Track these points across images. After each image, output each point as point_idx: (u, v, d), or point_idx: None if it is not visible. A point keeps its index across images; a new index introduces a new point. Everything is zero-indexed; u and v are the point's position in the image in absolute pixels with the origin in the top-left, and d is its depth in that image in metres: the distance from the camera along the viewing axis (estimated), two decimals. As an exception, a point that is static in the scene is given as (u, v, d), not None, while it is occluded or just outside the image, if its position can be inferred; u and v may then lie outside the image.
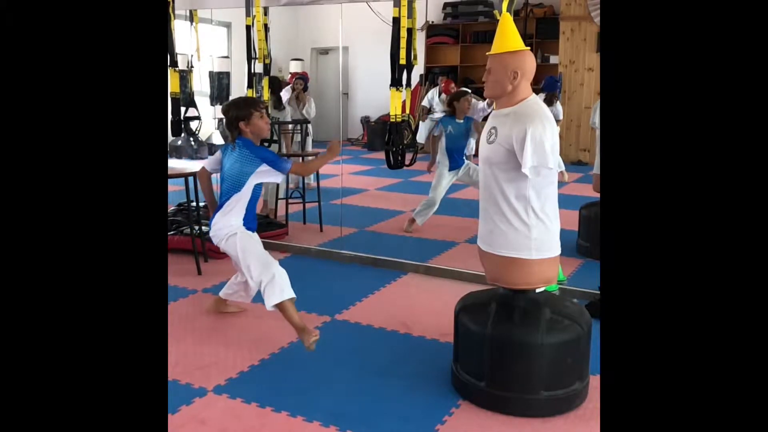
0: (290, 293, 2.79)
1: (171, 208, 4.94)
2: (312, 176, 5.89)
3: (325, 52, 8.71)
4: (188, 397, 2.47)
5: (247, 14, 4.57)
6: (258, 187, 2.94)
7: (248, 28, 4.56)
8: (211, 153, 8.19)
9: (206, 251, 4.30)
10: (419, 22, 4.17)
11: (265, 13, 4.63)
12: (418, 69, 7.20)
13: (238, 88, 5.47)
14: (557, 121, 6.96)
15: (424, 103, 8.74)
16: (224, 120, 3.00)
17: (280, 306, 2.76)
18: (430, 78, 9.41)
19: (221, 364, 2.75)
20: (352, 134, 9.64)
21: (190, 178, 4.06)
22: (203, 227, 4.45)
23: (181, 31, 5.28)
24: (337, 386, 2.58)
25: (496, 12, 2.57)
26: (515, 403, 2.35)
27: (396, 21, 3.91)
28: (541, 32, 9.29)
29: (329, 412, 2.37)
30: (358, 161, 8.37)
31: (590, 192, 4.76)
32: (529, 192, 2.32)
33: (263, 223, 4.37)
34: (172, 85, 4.86)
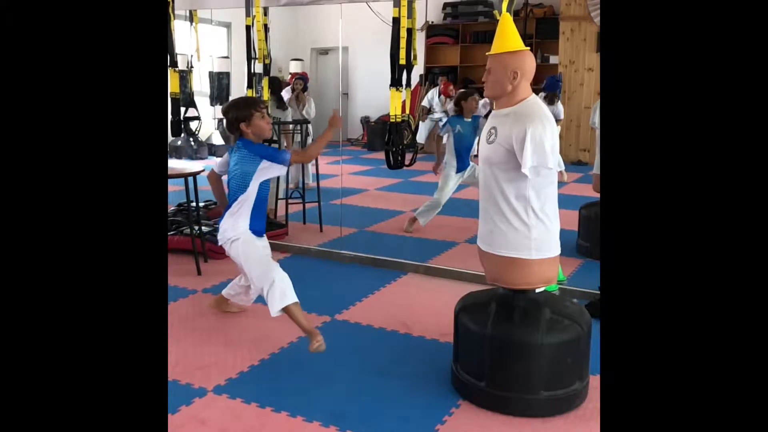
0: (292, 298, 2.76)
1: (171, 208, 4.94)
2: (311, 176, 5.90)
3: (324, 52, 8.71)
4: (188, 397, 2.47)
5: (247, 14, 4.57)
6: (264, 187, 2.92)
7: (248, 29, 4.56)
8: (211, 153, 8.21)
9: (206, 251, 4.30)
10: (419, 22, 4.17)
11: (265, 14, 4.63)
12: (418, 69, 7.20)
13: (238, 89, 5.47)
14: (558, 120, 6.98)
15: (424, 103, 8.75)
16: (225, 122, 2.98)
17: (285, 310, 2.75)
18: (429, 78, 9.42)
19: (221, 364, 2.75)
20: (352, 134, 9.64)
21: (190, 179, 4.06)
22: (203, 227, 4.46)
23: (180, 32, 5.28)
24: (337, 386, 2.58)
25: (495, 12, 2.58)
26: (515, 403, 2.35)
27: (396, 21, 3.91)
28: (541, 32, 9.29)
29: (329, 412, 2.37)
30: (358, 161, 8.37)
31: (590, 192, 4.76)
32: (528, 192, 2.32)
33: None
34: (172, 85, 4.86)
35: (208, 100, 6.13)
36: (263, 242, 3.01)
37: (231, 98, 5.64)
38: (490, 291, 2.63)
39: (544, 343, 2.29)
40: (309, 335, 2.74)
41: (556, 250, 2.41)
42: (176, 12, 4.93)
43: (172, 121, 4.98)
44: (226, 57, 6.58)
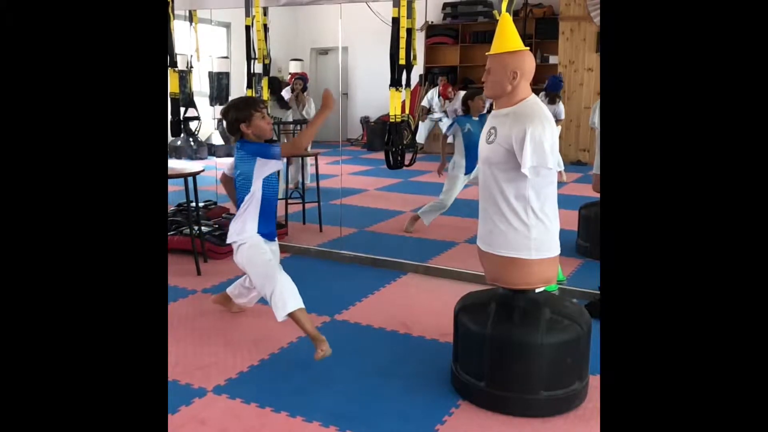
0: (295, 304, 2.72)
1: (170, 208, 4.94)
2: (310, 176, 5.89)
3: (324, 52, 8.71)
4: (188, 397, 2.47)
5: (247, 14, 4.57)
6: (269, 186, 2.86)
7: (248, 29, 4.56)
8: (211, 153, 8.21)
9: (206, 251, 4.30)
10: (419, 22, 4.18)
11: (265, 14, 4.63)
12: (418, 69, 7.21)
13: (238, 89, 5.47)
14: (559, 120, 6.98)
15: (424, 103, 8.76)
16: (225, 123, 2.93)
17: (290, 316, 2.72)
18: (429, 78, 9.43)
19: (221, 365, 2.75)
20: (352, 134, 9.65)
21: (190, 179, 4.06)
22: (203, 227, 4.46)
23: (180, 32, 5.28)
24: (337, 386, 2.58)
25: (495, 12, 2.57)
26: (515, 403, 2.35)
27: (395, 21, 3.91)
28: (541, 32, 9.30)
29: (329, 412, 2.37)
30: (358, 161, 8.37)
31: (590, 192, 4.76)
32: (528, 192, 2.33)
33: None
34: (172, 85, 4.87)
35: (207, 100, 6.13)
36: (273, 246, 2.96)
37: (231, 98, 5.64)
38: (489, 291, 2.63)
39: (544, 343, 2.29)
40: (314, 341, 2.72)
41: (555, 250, 2.42)
42: (176, 12, 4.93)
43: (171, 122, 4.98)
44: (226, 57, 6.57)
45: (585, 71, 8.89)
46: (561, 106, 7.19)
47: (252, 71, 4.63)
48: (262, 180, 2.84)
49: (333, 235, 4.93)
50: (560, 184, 2.57)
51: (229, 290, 3.27)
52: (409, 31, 3.96)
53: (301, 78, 6.38)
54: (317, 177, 5.26)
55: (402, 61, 3.93)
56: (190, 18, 5.42)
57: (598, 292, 3.38)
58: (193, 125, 5.23)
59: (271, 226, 2.94)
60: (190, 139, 7.77)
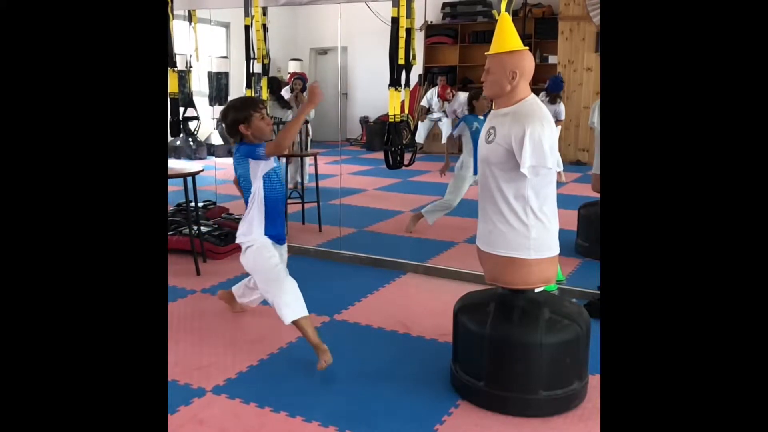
0: (300, 313, 2.69)
1: (170, 208, 4.94)
2: (308, 176, 5.88)
3: (323, 52, 8.71)
4: (187, 397, 2.47)
5: (246, 14, 4.57)
6: (272, 186, 2.79)
7: (247, 29, 4.56)
8: (210, 153, 8.20)
9: (205, 251, 4.30)
10: (418, 22, 4.17)
11: (264, 14, 4.63)
12: (417, 69, 7.21)
13: (237, 89, 5.47)
14: (559, 121, 6.97)
15: (423, 103, 8.75)
16: (224, 126, 2.85)
17: (294, 323, 2.71)
18: (428, 78, 9.43)
19: (220, 365, 2.75)
20: (351, 134, 9.64)
21: (189, 179, 4.06)
22: (202, 227, 4.45)
23: (179, 31, 5.27)
24: (336, 386, 2.58)
25: (494, 12, 2.57)
26: (514, 403, 2.35)
27: (395, 21, 3.91)
28: (540, 32, 9.31)
29: (328, 412, 2.37)
30: (357, 161, 8.37)
31: (589, 192, 4.76)
32: (527, 192, 2.32)
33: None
34: (171, 85, 4.86)
35: (206, 100, 6.12)
36: (281, 250, 2.91)
37: (230, 98, 5.63)
38: (489, 291, 2.63)
39: (543, 343, 2.29)
40: (316, 350, 2.69)
41: (555, 249, 2.42)
42: (175, 12, 4.92)
43: (171, 122, 4.97)
44: (225, 57, 6.57)
45: (584, 71, 8.89)
46: (561, 107, 7.19)
47: (251, 71, 4.62)
48: (261, 180, 2.78)
49: (332, 235, 4.93)
50: (559, 184, 2.57)
51: (234, 288, 3.26)
52: (409, 31, 3.96)
53: (301, 78, 6.37)
54: (316, 177, 5.25)
55: (401, 61, 3.93)
56: (190, 18, 5.41)
57: (598, 292, 3.38)
58: (192, 125, 5.23)
59: (278, 228, 2.88)
60: (190, 139, 7.77)
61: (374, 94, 7.84)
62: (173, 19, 4.85)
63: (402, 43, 3.90)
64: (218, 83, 6.01)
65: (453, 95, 8.37)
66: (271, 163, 2.82)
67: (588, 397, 2.46)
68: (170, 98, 4.89)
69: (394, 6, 3.91)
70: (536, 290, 2.47)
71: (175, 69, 4.90)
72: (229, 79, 6.02)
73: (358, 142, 9.52)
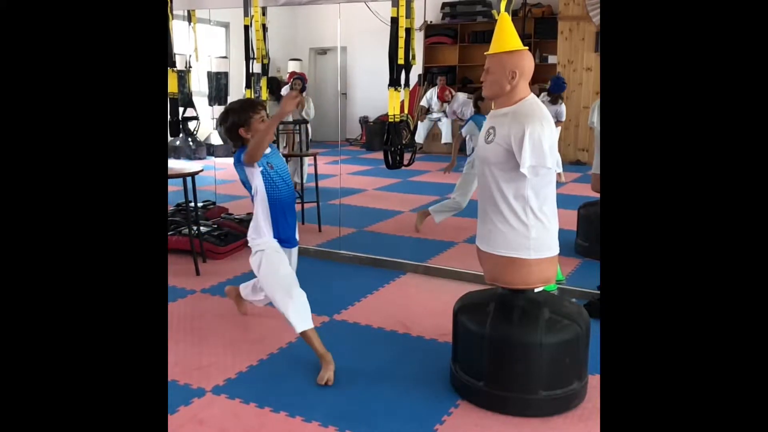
0: (306, 325, 2.64)
1: (169, 208, 4.94)
2: (307, 176, 5.88)
3: (323, 52, 8.72)
4: (187, 397, 2.47)
5: (246, 14, 4.57)
6: (275, 186, 2.73)
7: (246, 29, 4.56)
8: (210, 153, 8.20)
9: (204, 251, 4.30)
10: (417, 22, 4.18)
11: (264, 13, 4.63)
12: (417, 69, 7.20)
13: (237, 89, 5.47)
14: (559, 122, 6.97)
15: (423, 103, 8.75)
16: (223, 129, 2.79)
17: (301, 335, 2.67)
18: (428, 78, 9.44)
19: (220, 365, 2.75)
20: (351, 134, 9.64)
21: (189, 179, 4.06)
22: (202, 227, 4.45)
23: (179, 31, 5.27)
24: (336, 386, 2.58)
25: (494, 12, 2.56)
26: (514, 403, 2.35)
27: (394, 21, 3.91)
28: (540, 32, 9.32)
29: (328, 412, 2.37)
30: (357, 161, 8.36)
31: (589, 192, 4.76)
32: (527, 192, 2.32)
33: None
34: (171, 85, 4.86)
35: (206, 100, 6.12)
36: (291, 253, 2.85)
37: (229, 98, 5.63)
38: (488, 291, 2.63)
39: (543, 343, 2.29)
40: (321, 359, 2.65)
41: (554, 249, 2.42)
42: (175, 12, 4.92)
43: (170, 122, 4.97)
44: (225, 57, 6.57)
45: (584, 71, 8.89)
46: (563, 107, 7.18)
47: (251, 71, 4.62)
48: (260, 179, 2.72)
49: (332, 235, 4.93)
50: (559, 184, 2.57)
51: (241, 287, 3.20)
52: (408, 31, 3.96)
53: (300, 78, 6.38)
54: (316, 177, 5.25)
55: (401, 61, 3.93)
56: (189, 18, 5.41)
57: (597, 292, 3.38)
58: (191, 125, 5.23)
59: (288, 231, 2.78)
60: (189, 139, 7.77)
61: (374, 94, 7.84)
62: (173, 19, 4.85)
63: (401, 43, 3.90)
64: (218, 83, 6.01)
65: (452, 96, 8.37)
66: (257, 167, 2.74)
67: (588, 397, 2.46)
68: (170, 98, 4.89)
69: (393, 6, 3.91)
70: (536, 290, 2.47)
71: (175, 69, 4.90)
72: (229, 79, 6.02)
73: (357, 142, 9.52)
